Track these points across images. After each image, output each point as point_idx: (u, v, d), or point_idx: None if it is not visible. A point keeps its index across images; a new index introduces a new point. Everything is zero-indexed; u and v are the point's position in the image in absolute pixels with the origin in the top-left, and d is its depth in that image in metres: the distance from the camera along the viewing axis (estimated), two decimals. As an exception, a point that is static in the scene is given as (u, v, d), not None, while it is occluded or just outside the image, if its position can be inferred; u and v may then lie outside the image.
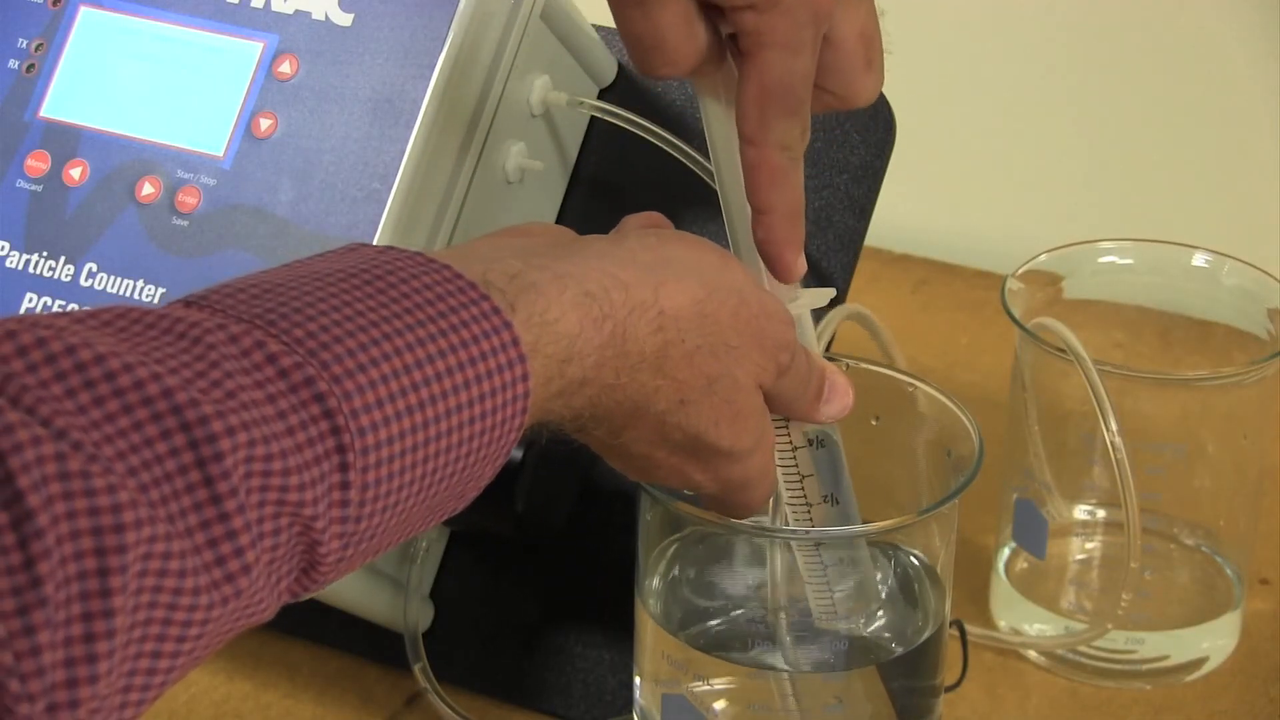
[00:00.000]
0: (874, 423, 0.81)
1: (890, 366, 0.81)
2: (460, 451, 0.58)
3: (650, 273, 0.65)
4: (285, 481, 0.53)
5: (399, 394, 0.56)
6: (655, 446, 0.67)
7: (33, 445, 0.49)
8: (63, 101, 0.88)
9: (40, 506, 0.48)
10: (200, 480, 0.51)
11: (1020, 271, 0.90)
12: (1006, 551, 0.92)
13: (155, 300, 0.85)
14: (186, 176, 0.86)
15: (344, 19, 0.82)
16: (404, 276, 0.59)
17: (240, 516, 0.52)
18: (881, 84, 0.72)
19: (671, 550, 0.78)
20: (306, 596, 0.57)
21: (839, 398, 0.73)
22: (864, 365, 0.81)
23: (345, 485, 0.55)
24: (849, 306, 0.81)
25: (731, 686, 0.77)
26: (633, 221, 0.73)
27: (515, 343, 0.59)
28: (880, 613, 0.78)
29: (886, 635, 0.78)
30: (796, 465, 0.74)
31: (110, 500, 0.49)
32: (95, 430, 0.50)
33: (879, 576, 0.78)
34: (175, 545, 0.51)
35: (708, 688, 0.77)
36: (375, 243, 0.82)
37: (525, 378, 0.59)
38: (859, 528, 0.77)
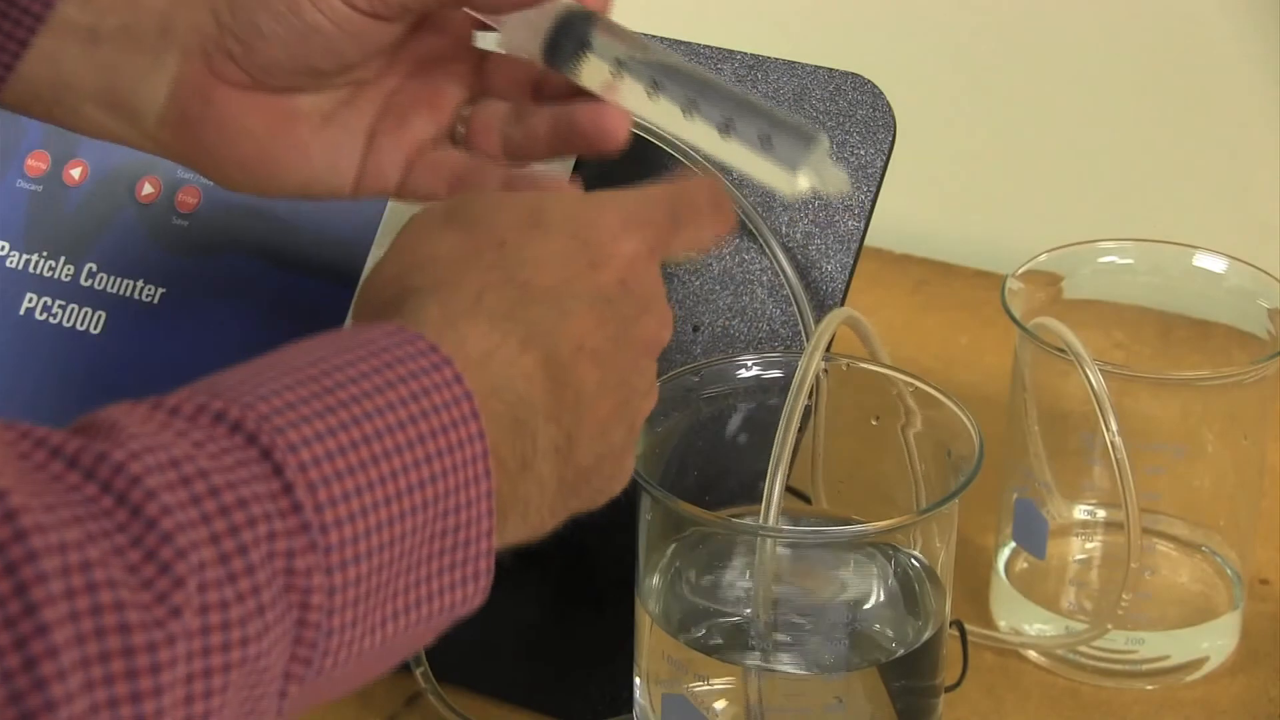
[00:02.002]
0: (874, 423, 0.81)
1: (890, 366, 0.81)
2: (411, 454, 0.56)
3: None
4: (211, 483, 0.51)
5: (325, 412, 0.54)
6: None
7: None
8: (63, 101, 0.88)
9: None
10: (114, 501, 0.50)
11: (1020, 271, 0.90)
12: (1006, 551, 0.92)
13: (154, 300, 0.85)
14: (186, 176, 0.86)
15: (344, 19, 0.82)
16: (341, 334, 0.58)
17: (169, 518, 0.50)
18: None
19: (671, 550, 0.78)
20: (318, 670, 0.54)
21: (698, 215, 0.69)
22: (864, 365, 0.81)
23: (288, 488, 0.52)
24: (844, 310, 0.81)
25: (731, 686, 0.77)
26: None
27: (440, 357, 0.58)
28: (870, 608, 0.78)
29: (887, 635, 0.78)
30: None
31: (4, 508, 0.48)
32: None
33: (877, 575, 0.78)
34: (94, 555, 0.48)
35: (708, 688, 0.76)
36: (374, 244, 0.82)
37: (458, 378, 0.58)
38: (859, 528, 0.77)
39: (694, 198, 0.69)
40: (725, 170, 0.75)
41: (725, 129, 0.71)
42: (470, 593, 0.59)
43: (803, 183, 0.70)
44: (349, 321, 0.82)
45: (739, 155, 0.71)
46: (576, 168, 0.91)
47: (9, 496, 0.47)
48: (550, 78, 0.74)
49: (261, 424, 0.53)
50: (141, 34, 0.71)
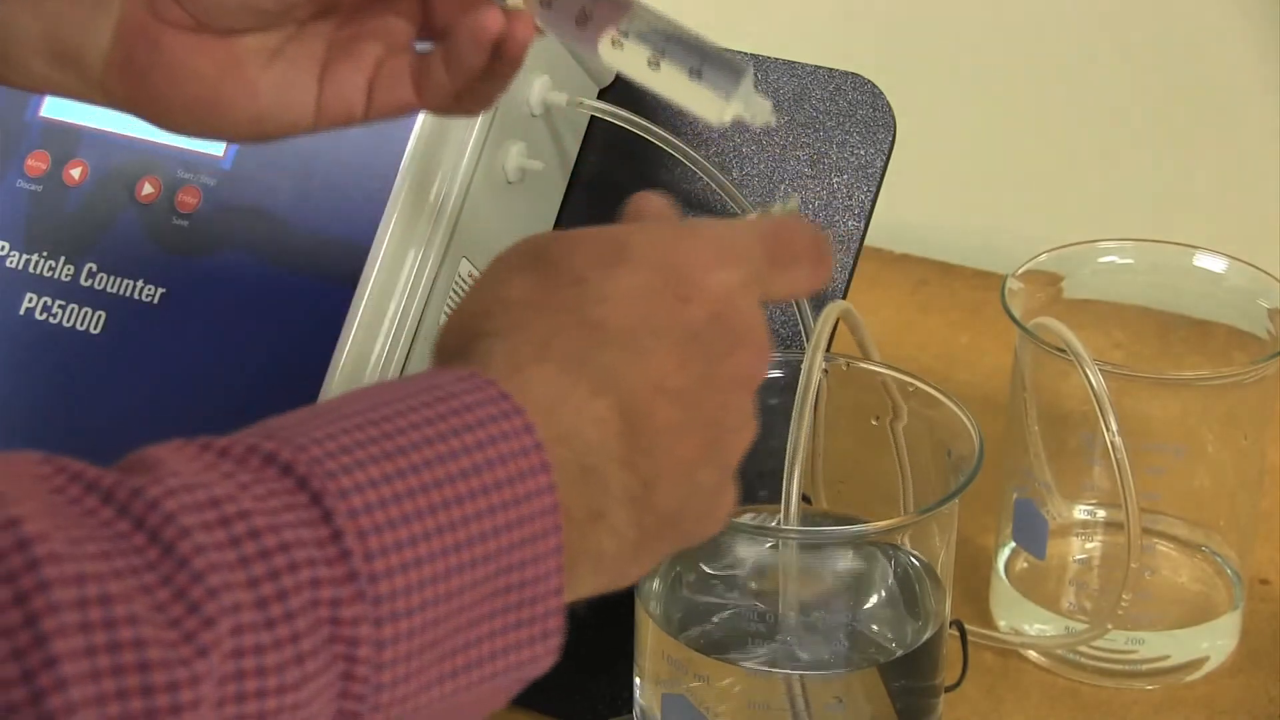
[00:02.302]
0: (874, 423, 0.81)
1: (891, 366, 0.81)
2: (469, 507, 0.53)
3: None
4: (252, 525, 0.49)
5: (378, 457, 0.52)
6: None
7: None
8: (63, 101, 0.88)
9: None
10: (136, 529, 0.48)
11: (1020, 271, 0.90)
12: (1006, 551, 0.92)
13: (154, 300, 0.85)
14: (186, 176, 0.86)
15: (344, 19, 0.82)
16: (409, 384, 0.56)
17: (201, 558, 0.48)
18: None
19: (671, 550, 0.78)
20: None
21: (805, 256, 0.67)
22: (864, 365, 0.81)
23: (336, 535, 0.51)
24: (839, 303, 0.81)
25: (731, 687, 0.77)
26: (644, 207, 0.68)
27: (519, 412, 0.56)
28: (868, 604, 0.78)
29: (887, 635, 0.78)
30: None
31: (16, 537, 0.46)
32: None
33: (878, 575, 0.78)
34: (114, 589, 0.47)
35: (708, 688, 0.76)
36: (374, 244, 0.82)
37: (536, 445, 0.55)
38: (859, 528, 0.77)
39: (792, 237, 0.66)
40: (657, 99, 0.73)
41: (656, 61, 0.70)
42: (539, 653, 0.57)
43: (731, 111, 0.70)
44: (353, 329, 0.82)
45: (670, 85, 0.70)
46: (576, 168, 0.91)
47: (23, 524, 0.46)
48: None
49: (313, 467, 0.51)
50: None
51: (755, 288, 0.63)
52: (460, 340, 0.60)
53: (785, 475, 0.74)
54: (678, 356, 0.60)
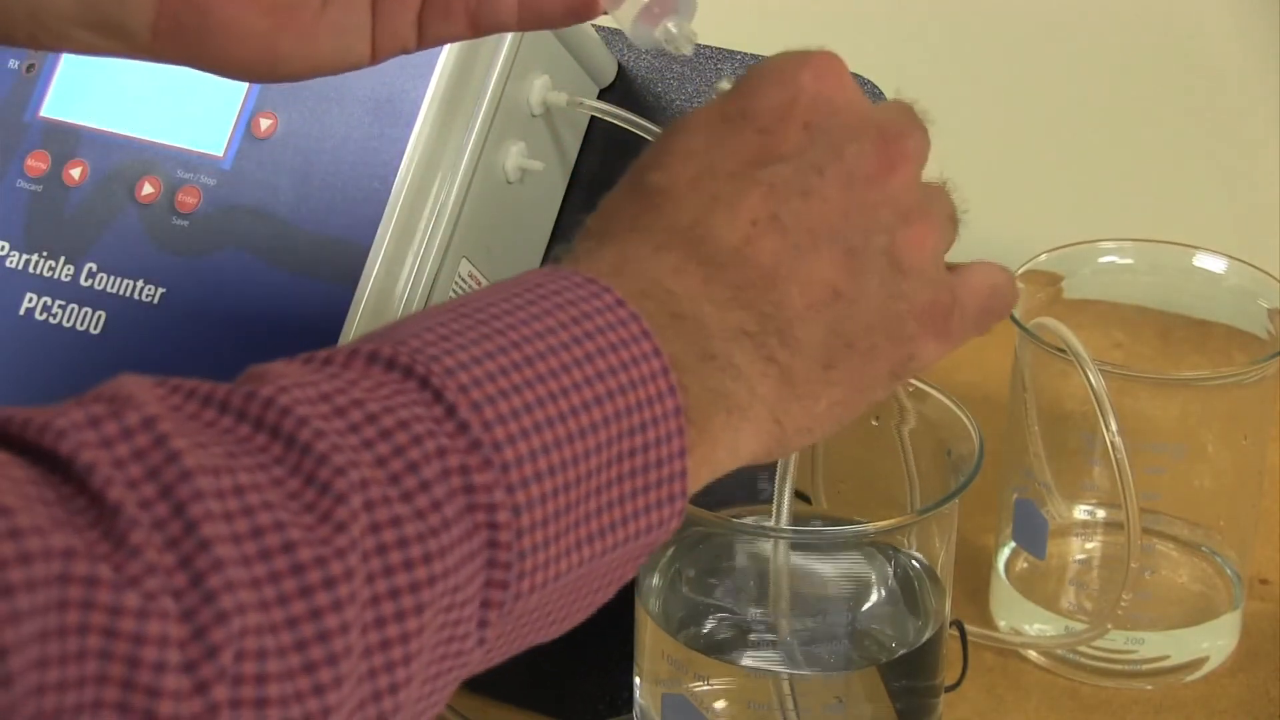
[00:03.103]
0: (874, 423, 0.81)
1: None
2: (590, 399, 0.54)
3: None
4: (368, 410, 0.50)
5: (483, 339, 0.53)
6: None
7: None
8: (63, 101, 0.88)
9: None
10: (268, 436, 0.50)
11: (1020, 271, 0.90)
12: (1006, 551, 0.92)
13: (154, 300, 0.85)
14: (186, 176, 0.86)
15: (344, 19, 0.82)
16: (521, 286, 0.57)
17: (323, 441, 0.49)
18: None
19: (671, 550, 0.78)
20: (509, 609, 0.53)
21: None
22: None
23: (461, 422, 0.51)
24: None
25: (731, 687, 0.77)
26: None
27: (639, 325, 0.56)
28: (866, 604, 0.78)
29: (887, 635, 0.78)
30: None
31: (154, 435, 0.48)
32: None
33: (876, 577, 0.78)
34: (245, 480, 0.49)
35: (708, 688, 0.76)
36: (374, 244, 0.82)
37: (650, 341, 0.55)
38: (859, 527, 0.77)
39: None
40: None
41: None
42: (666, 516, 0.56)
43: (663, 31, 0.69)
44: (353, 329, 0.82)
45: None
46: (576, 168, 0.91)
47: (158, 423, 0.48)
48: None
49: (415, 356, 0.52)
50: None
51: (836, 70, 0.62)
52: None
53: (778, 475, 0.74)
54: (763, 187, 0.60)
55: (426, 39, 0.70)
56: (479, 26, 0.70)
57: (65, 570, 0.45)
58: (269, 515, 0.48)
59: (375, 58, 0.70)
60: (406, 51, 0.71)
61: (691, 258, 0.58)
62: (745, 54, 0.91)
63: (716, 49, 0.90)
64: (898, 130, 0.64)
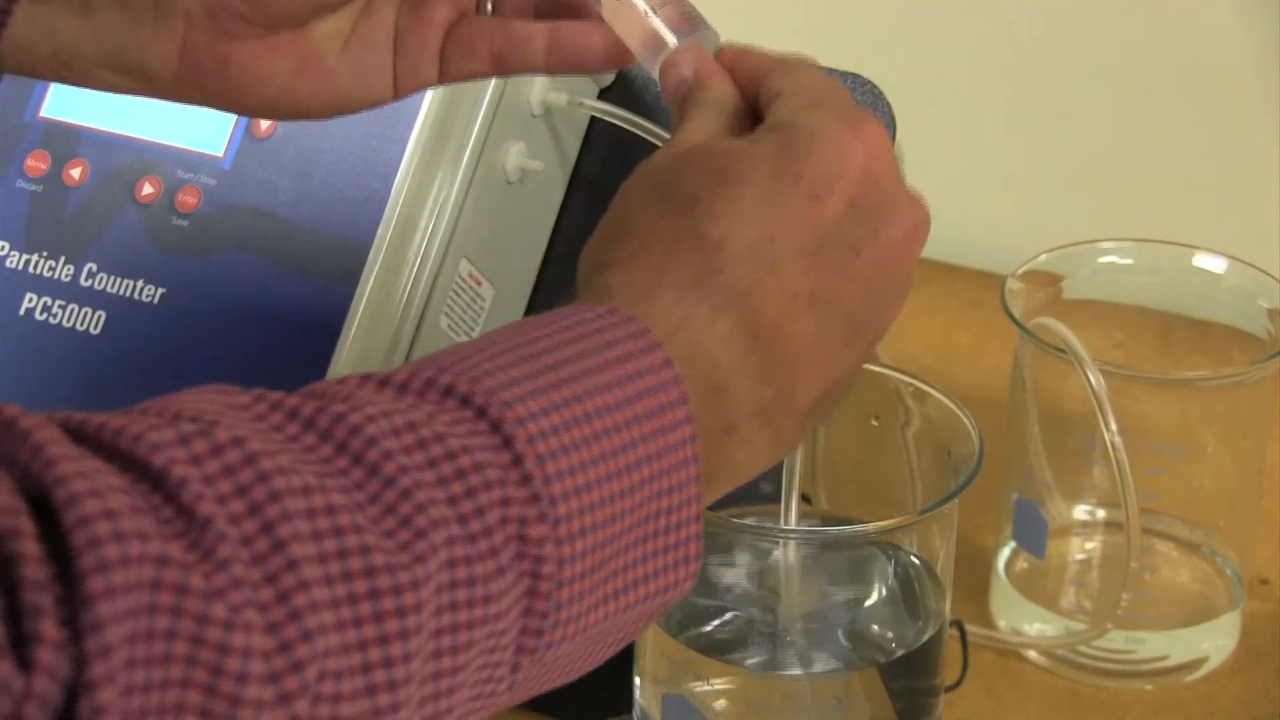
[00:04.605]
0: (874, 423, 0.81)
1: (890, 366, 0.81)
2: (629, 435, 0.55)
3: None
4: (448, 447, 0.51)
5: (537, 375, 0.54)
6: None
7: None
8: (63, 101, 0.88)
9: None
10: (350, 461, 0.51)
11: (1020, 271, 0.90)
12: (1006, 551, 0.92)
13: (154, 300, 0.85)
14: (186, 176, 0.86)
15: (344, 19, 0.82)
16: (555, 321, 0.58)
17: (406, 476, 0.51)
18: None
19: (671, 550, 0.78)
20: (545, 641, 0.54)
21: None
22: (863, 365, 0.81)
23: (518, 460, 0.53)
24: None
25: (731, 687, 0.77)
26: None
27: (666, 363, 0.57)
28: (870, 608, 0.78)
29: (887, 636, 0.78)
30: None
31: (244, 453, 0.49)
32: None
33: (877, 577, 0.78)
34: (337, 500, 0.50)
35: (708, 688, 0.76)
36: (374, 244, 0.82)
37: (685, 400, 0.57)
38: (859, 527, 0.77)
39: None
40: None
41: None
42: (683, 576, 0.58)
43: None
44: (353, 329, 0.82)
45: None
46: (576, 168, 0.91)
47: (247, 442, 0.49)
48: None
49: (489, 398, 0.53)
50: (136, 4, 0.70)
51: (885, 147, 0.62)
52: (589, 271, 0.61)
53: (785, 475, 0.74)
54: (807, 261, 0.60)
55: (448, 75, 0.71)
56: (504, 67, 0.70)
57: (159, 576, 0.46)
58: (356, 538, 0.49)
59: (397, 95, 0.71)
60: (428, 87, 0.71)
61: (740, 327, 0.59)
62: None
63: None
64: (923, 213, 0.65)
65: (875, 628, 0.78)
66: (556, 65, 0.70)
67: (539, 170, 0.87)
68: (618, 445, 0.55)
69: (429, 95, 0.82)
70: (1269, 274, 0.90)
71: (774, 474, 0.74)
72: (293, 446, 0.50)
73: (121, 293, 0.85)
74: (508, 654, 0.53)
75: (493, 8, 0.71)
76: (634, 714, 0.80)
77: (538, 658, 0.54)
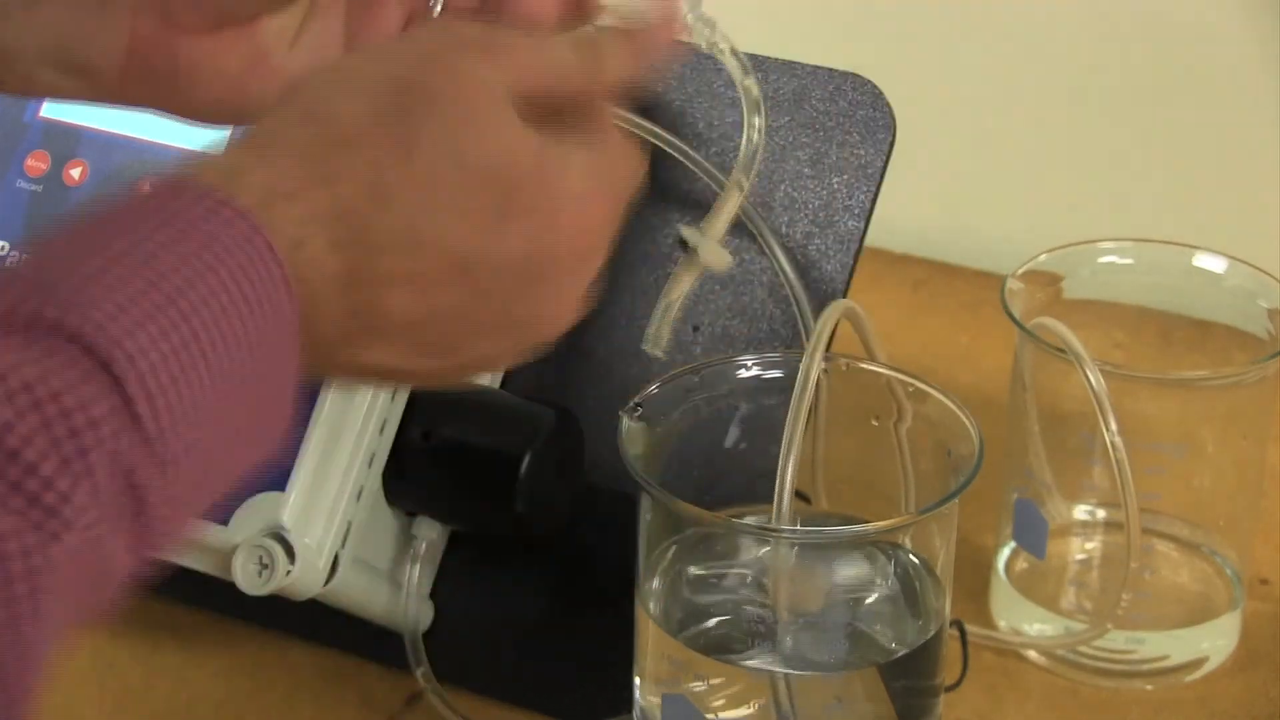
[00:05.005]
0: (874, 423, 0.81)
1: (890, 366, 0.81)
2: (235, 336, 0.54)
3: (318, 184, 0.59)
4: (62, 406, 0.51)
5: (139, 295, 0.53)
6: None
7: None
8: (63, 101, 0.88)
9: None
10: None
11: (1020, 271, 0.90)
12: (1006, 551, 0.92)
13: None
14: (186, 176, 0.86)
15: (344, 19, 0.82)
16: (136, 201, 0.56)
17: (31, 449, 0.50)
18: None
19: (671, 550, 0.78)
20: (159, 547, 0.55)
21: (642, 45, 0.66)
22: (864, 365, 0.81)
23: (128, 401, 0.52)
24: (842, 302, 0.81)
25: (731, 687, 0.77)
26: None
27: (252, 226, 0.56)
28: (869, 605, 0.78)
29: (887, 635, 0.78)
30: None
31: None
32: None
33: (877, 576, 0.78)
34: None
35: (708, 688, 0.76)
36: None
37: (267, 245, 0.56)
38: (859, 528, 0.77)
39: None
40: None
41: None
42: (278, 441, 0.59)
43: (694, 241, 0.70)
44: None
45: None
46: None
47: None
48: None
49: (99, 334, 0.52)
50: None
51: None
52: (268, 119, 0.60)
53: (779, 474, 0.74)
54: (456, 270, 0.60)
55: None
56: None
57: None
58: None
59: None
60: None
61: (347, 276, 0.59)
62: (745, 54, 0.90)
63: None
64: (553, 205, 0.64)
65: (875, 628, 0.78)
66: None
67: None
68: (229, 369, 0.54)
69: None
70: (1269, 274, 0.90)
71: (773, 475, 0.74)
72: None
73: (121, 293, 0.85)
74: (114, 565, 0.53)
75: (441, 8, 0.71)
76: (634, 714, 0.80)
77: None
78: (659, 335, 0.73)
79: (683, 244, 0.73)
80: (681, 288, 0.74)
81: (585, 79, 0.65)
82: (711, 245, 0.73)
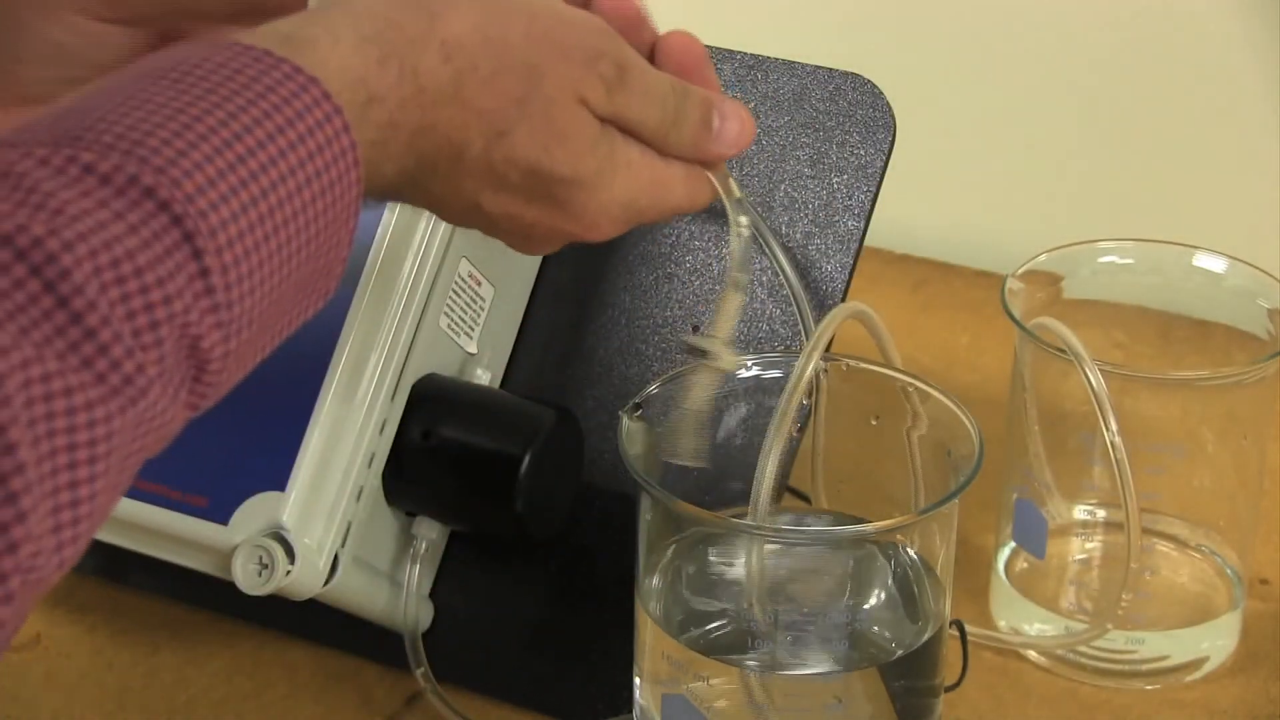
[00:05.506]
0: (874, 423, 0.81)
1: (890, 366, 0.81)
2: (308, 215, 0.59)
3: (422, 7, 0.65)
4: (143, 281, 0.54)
5: (228, 169, 0.56)
6: (499, 192, 0.67)
7: None
8: (63, 101, 0.88)
9: None
10: (54, 304, 0.52)
11: (1020, 271, 0.90)
12: (1006, 551, 0.92)
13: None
14: (186, 176, 0.86)
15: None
16: (197, 62, 0.59)
17: (107, 329, 0.53)
18: None
19: (671, 551, 0.78)
20: (208, 405, 0.58)
21: (734, 126, 0.72)
22: (864, 365, 0.81)
23: (205, 272, 0.55)
24: (851, 304, 0.81)
25: (731, 687, 0.77)
26: None
27: (326, 97, 0.60)
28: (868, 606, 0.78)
29: (887, 635, 0.78)
30: None
31: None
32: None
33: (877, 575, 0.78)
34: (52, 368, 0.51)
35: (708, 688, 0.76)
36: (373, 243, 0.82)
37: (346, 128, 0.60)
38: (859, 528, 0.77)
39: (730, 107, 0.73)
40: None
41: None
42: (319, 308, 0.63)
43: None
44: (353, 329, 0.82)
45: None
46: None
47: None
48: None
49: (187, 206, 0.55)
50: None
51: (598, 74, 0.68)
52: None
53: (758, 469, 0.74)
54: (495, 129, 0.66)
55: None
56: None
57: None
58: (65, 401, 0.52)
59: None
60: None
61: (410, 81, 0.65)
62: (745, 54, 0.91)
63: (717, 49, 0.90)
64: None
65: (875, 628, 0.78)
66: None
67: None
68: (295, 244, 0.58)
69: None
70: (1269, 274, 0.90)
71: (782, 475, 0.75)
72: (5, 288, 0.52)
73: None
74: (175, 415, 0.57)
75: None
76: (634, 714, 0.80)
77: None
78: (687, 447, 0.74)
79: (692, 351, 0.74)
80: (699, 396, 0.75)
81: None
82: (722, 349, 0.74)
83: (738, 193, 0.73)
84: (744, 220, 0.73)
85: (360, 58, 0.62)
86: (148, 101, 0.57)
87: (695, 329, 0.89)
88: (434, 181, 0.66)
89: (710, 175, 0.72)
